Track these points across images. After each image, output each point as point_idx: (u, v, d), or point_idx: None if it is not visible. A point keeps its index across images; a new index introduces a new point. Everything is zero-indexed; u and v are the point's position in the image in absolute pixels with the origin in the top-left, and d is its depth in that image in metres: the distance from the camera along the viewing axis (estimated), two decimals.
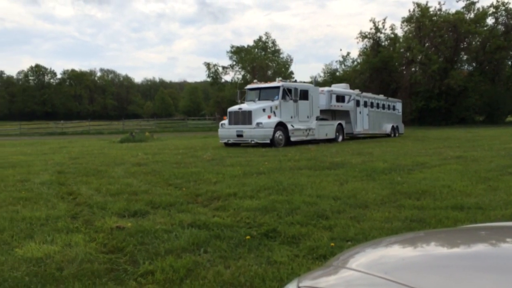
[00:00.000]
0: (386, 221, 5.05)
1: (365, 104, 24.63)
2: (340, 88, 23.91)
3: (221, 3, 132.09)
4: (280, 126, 17.45)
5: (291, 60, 68.83)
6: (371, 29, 54.08)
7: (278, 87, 18.22)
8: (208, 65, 65.31)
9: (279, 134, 17.29)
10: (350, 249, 1.60)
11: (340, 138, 21.39)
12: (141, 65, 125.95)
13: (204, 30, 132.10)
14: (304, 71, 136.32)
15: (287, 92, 18.16)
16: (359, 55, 56.19)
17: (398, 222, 4.99)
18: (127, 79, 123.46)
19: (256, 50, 66.93)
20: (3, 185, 7.80)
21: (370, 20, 54.91)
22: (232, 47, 67.04)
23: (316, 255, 3.95)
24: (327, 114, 21.92)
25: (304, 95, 18.96)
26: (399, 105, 29.66)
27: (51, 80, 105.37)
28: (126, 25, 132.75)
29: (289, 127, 17.80)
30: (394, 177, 8.30)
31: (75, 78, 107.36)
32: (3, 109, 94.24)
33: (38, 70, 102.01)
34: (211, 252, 4.08)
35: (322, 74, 65.33)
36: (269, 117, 17.30)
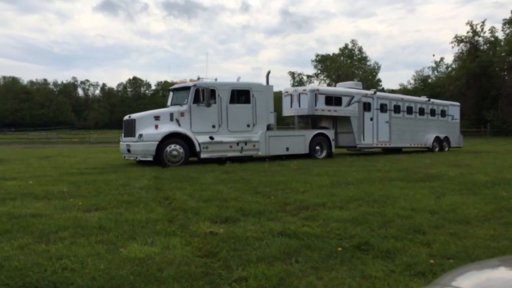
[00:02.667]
0: (491, 239, 4.65)
1: (383, 108, 18.91)
2: (344, 86, 19.16)
3: (304, 13, 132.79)
4: (177, 138, 13.44)
5: (379, 67, 66.87)
6: (468, 32, 50.82)
7: (189, 88, 14.15)
8: (292, 74, 65.68)
9: (172, 149, 13.27)
10: (456, 269, 1.50)
11: (324, 153, 16.39)
12: (227, 75, 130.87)
13: (288, 40, 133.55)
14: (392, 79, 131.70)
15: (203, 94, 13.81)
16: (454, 60, 53.04)
17: (505, 241, 4.57)
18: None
19: (342, 58, 66.00)
20: (108, 189, 8.47)
21: (467, 23, 51.48)
22: (317, 55, 66.85)
23: (414, 272, 3.75)
24: (327, 121, 18.11)
25: (241, 97, 14.71)
26: (454, 110, 22.86)
27: (146, 91, 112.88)
28: (214, 37, 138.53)
29: (200, 139, 13.68)
30: (498, 191, 7.64)
31: (167, 89, 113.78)
32: (104, 118, 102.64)
33: (135, 82, 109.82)
34: (303, 262, 4.05)
35: (412, 81, 62.36)
36: (156, 127, 13.41)
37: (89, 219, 5.78)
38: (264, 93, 15.15)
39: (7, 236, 4.97)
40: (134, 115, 14.04)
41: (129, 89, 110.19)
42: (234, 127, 14.47)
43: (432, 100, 22.31)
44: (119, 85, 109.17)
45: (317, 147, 16.23)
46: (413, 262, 3.95)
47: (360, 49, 66.11)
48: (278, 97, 18.52)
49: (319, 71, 66.42)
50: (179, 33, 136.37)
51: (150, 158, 13.16)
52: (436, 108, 21.74)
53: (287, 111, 18.35)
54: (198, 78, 14.67)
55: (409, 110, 20.20)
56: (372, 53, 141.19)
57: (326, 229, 5.25)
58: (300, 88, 17.96)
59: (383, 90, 59.54)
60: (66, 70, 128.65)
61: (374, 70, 66.47)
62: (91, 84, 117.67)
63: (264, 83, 15.54)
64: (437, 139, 21.09)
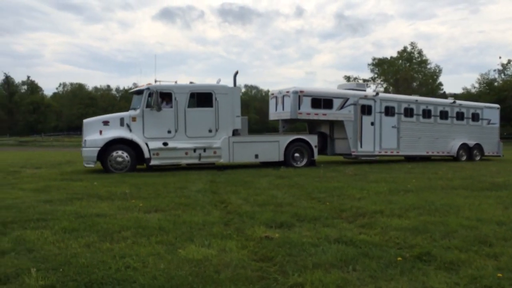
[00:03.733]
0: None
1: (389, 112, 16.94)
2: (344, 88, 17.43)
3: (360, 16, 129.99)
4: (122, 144, 12.86)
5: (440, 70, 64.22)
6: None
7: (143, 92, 13.43)
8: (348, 78, 64.61)
9: (116, 155, 12.72)
10: None
11: (304, 161, 14.84)
12: (281, 80, 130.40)
13: (344, 44, 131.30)
14: (455, 82, 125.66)
15: (154, 98, 13.13)
16: None
17: None
18: (268, 94, 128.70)
19: (400, 61, 64.07)
20: (166, 191, 8.75)
21: None
22: (374, 59, 65.38)
23: (480, 286, 3.56)
24: (325, 126, 16.71)
25: (202, 100, 13.77)
26: (491, 113, 19.92)
27: None
28: (268, 42, 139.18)
29: (152, 145, 13.03)
30: None
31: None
32: None
33: None
34: (360, 270, 3.96)
35: (477, 85, 59.34)
36: (100, 132, 12.85)
37: (149, 220, 6.00)
38: (229, 95, 14.00)
39: (74, 234, 5.27)
40: (85, 120, 13.66)
41: None
42: (194, 132, 13.56)
43: (459, 102, 19.76)
44: None
45: (296, 154, 14.74)
46: (479, 275, 3.75)
47: (420, 52, 63.86)
48: None
49: (376, 75, 64.87)
50: (233, 39, 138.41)
51: (92, 165, 12.79)
52: (466, 111, 19.11)
53: (272, 115, 17.05)
54: (155, 81, 13.83)
55: (426, 114, 17.97)
56: (433, 56, 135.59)
57: (385, 237, 5.10)
58: (285, 89, 16.01)
59: (444, 95, 57.08)
60: (127, 77, 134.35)
61: (435, 73, 63.88)
62: None
63: (232, 85, 14.45)
64: (464, 146, 18.60)
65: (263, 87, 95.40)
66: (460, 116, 18.89)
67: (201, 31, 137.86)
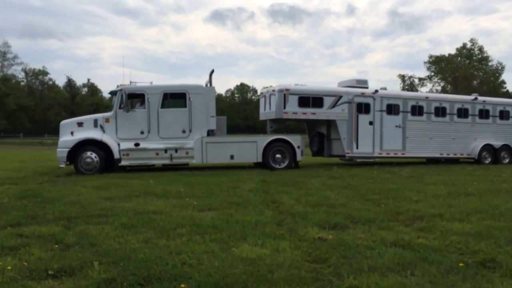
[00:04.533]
0: None
1: (392, 110, 15.71)
2: (344, 85, 16.31)
3: (416, 12, 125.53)
4: (92, 146, 12.86)
5: (502, 68, 60.68)
6: None
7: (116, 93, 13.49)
8: (403, 77, 62.69)
9: (86, 156, 12.74)
10: None
11: (286, 163, 14.09)
12: (332, 79, 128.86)
13: (398, 42, 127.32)
14: None
15: (126, 99, 13.15)
16: None
17: None
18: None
19: (459, 58, 61.23)
20: (219, 190, 8.88)
21: None
22: (431, 57, 63.00)
23: None
24: (322, 125, 15.95)
25: (176, 101, 13.72)
26: None
27: (253, 97, 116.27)
28: (319, 42, 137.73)
29: (123, 146, 13.01)
30: None
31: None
32: None
33: (242, 88, 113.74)
34: (419, 275, 3.82)
35: None
36: (72, 133, 12.96)
37: (203, 218, 6.11)
38: (204, 95, 13.67)
39: (133, 230, 5.46)
40: (62, 122, 13.80)
41: (236, 95, 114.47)
42: (167, 133, 13.41)
43: (482, 98, 17.68)
44: (227, 91, 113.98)
45: (278, 156, 14.06)
46: None
47: (480, 49, 60.69)
48: None
49: (432, 73, 62.45)
50: (284, 39, 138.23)
51: (62, 165, 12.80)
52: (491, 108, 17.21)
53: (261, 115, 16.46)
54: (130, 82, 13.87)
55: (440, 112, 16.41)
56: (495, 53, 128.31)
57: (445, 242, 4.89)
58: (272, 88, 15.34)
59: (507, 93, 53.90)
60: (180, 78, 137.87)
61: (497, 71, 60.47)
62: None
63: (206, 84, 14.12)
64: (488, 147, 16.77)
65: None
66: (484, 114, 17.11)
67: (251, 32, 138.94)
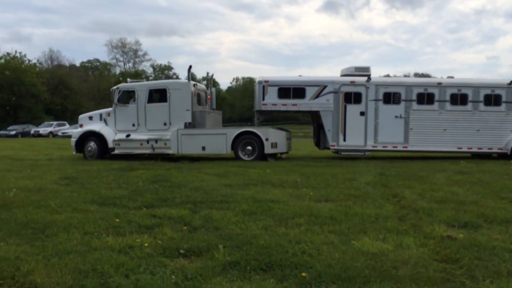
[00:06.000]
0: None
1: (391, 99, 14.21)
2: (343, 73, 15.06)
3: None
4: (92, 136, 14.76)
5: None
6: None
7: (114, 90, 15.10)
8: None
9: (88, 145, 14.77)
10: None
11: (255, 155, 13.72)
12: (457, 67, 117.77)
13: None
14: None
15: (124, 95, 14.83)
16: None
17: None
18: None
19: None
20: (335, 182, 8.75)
21: None
22: None
23: None
24: (319, 117, 14.53)
25: (158, 96, 14.59)
26: None
27: None
28: (442, 26, 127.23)
29: (117, 137, 14.62)
30: None
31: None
32: None
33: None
34: None
35: None
36: (81, 126, 15.33)
37: (320, 209, 6.07)
38: (181, 90, 14.36)
39: (253, 217, 5.65)
40: (80, 115, 16.10)
41: None
42: (152, 125, 14.54)
43: None
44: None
45: (249, 148, 13.86)
46: None
47: None
48: None
49: None
50: (402, 26, 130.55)
51: (74, 152, 14.95)
52: None
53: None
54: (128, 81, 15.64)
55: (459, 99, 14.16)
56: None
57: None
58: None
59: None
60: (293, 70, 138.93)
61: None
62: None
63: (187, 80, 14.60)
64: None
65: (436, 74, 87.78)
66: None
67: (367, 19, 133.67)
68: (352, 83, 14.38)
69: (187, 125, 14.36)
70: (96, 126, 14.99)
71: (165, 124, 14.49)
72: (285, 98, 14.48)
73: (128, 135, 14.67)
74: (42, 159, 14.81)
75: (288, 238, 4.59)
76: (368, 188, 8.02)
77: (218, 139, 14.09)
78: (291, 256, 4.02)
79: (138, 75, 76.26)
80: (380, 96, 14.29)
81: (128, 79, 16.17)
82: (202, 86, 16.17)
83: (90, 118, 15.46)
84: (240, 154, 13.92)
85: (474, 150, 14.35)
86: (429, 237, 4.69)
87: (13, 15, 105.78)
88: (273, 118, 22.40)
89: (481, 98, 14.15)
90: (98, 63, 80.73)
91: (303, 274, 3.59)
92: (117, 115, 14.90)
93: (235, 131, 14.08)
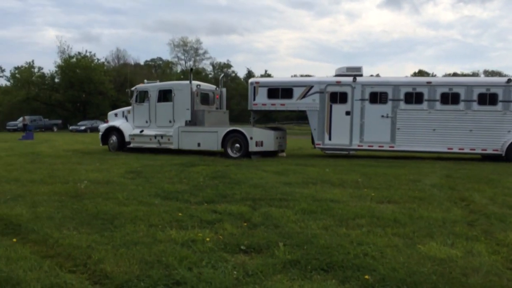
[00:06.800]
0: None
1: (377, 99, 14.12)
2: (337, 73, 15.08)
3: None
4: (114, 131, 16.59)
5: None
6: None
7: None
8: None
9: (111, 139, 16.68)
10: None
11: (241, 152, 14.11)
12: None
13: None
14: None
15: (140, 95, 16.42)
16: None
17: None
18: None
19: None
20: (397, 183, 8.46)
21: None
22: None
23: None
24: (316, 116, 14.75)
25: (166, 96, 15.91)
26: None
27: None
28: None
29: (133, 132, 16.27)
30: None
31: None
32: None
33: (420, 75, 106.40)
34: None
35: None
36: (106, 122, 17.50)
37: (382, 211, 5.90)
38: (183, 91, 15.45)
39: (312, 216, 5.59)
40: (109, 112, 18.26)
41: None
42: (161, 122, 15.86)
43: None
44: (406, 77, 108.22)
45: (237, 145, 14.35)
46: None
47: None
48: None
49: None
50: (471, 20, 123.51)
51: (101, 145, 17.03)
52: None
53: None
54: (144, 82, 17.24)
55: (450, 98, 13.69)
56: None
57: None
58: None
59: None
60: None
61: None
62: None
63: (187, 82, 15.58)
64: None
65: (509, 72, 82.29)
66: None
67: (432, 14, 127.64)
68: (338, 83, 14.61)
69: (187, 123, 15.35)
70: (118, 122, 16.85)
71: (170, 121, 15.74)
72: (274, 98, 15.12)
73: (141, 131, 16.20)
74: (109, 153, 15.59)
75: (349, 239, 4.50)
76: (434, 191, 7.68)
77: (211, 137, 14.88)
78: (353, 257, 3.93)
79: (198, 73, 78.12)
80: (366, 96, 14.37)
81: (145, 80, 17.83)
82: (210, 86, 17.25)
83: (116, 115, 17.38)
84: (229, 151, 14.45)
85: (466, 151, 13.93)
86: (502, 244, 4.41)
87: (85, 16, 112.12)
88: (278, 118, 23.12)
89: (475, 97, 13.70)
90: (161, 62, 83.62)
91: (366, 276, 3.49)
92: (134, 113, 16.57)
93: (224, 129, 14.69)
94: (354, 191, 7.48)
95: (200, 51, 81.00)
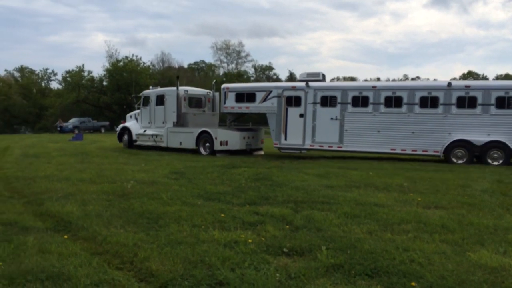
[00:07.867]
0: None
1: (327, 102, 14.88)
2: (300, 78, 16.26)
3: None
4: (126, 130, 19.20)
5: None
6: None
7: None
8: None
9: (124, 137, 19.34)
10: None
11: (208, 151, 15.86)
12: None
13: None
14: None
15: (145, 99, 18.79)
16: None
17: None
18: None
19: None
20: (445, 188, 8.16)
21: None
22: None
23: None
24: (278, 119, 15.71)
25: (161, 100, 18.06)
26: None
27: None
28: None
29: (138, 131, 18.73)
30: None
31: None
32: None
33: (470, 76, 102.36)
34: None
35: None
36: (122, 122, 20.37)
37: (429, 216, 5.71)
38: (172, 96, 17.51)
39: (356, 220, 5.49)
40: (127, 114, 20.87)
41: None
42: (158, 123, 18.07)
43: (466, 83, 14.64)
44: (451, 79, 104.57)
45: (207, 144, 16.03)
46: None
47: None
48: None
49: None
50: None
51: (118, 142, 19.75)
52: (481, 95, 13.15)
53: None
54: (150, 88, 19.78)
55: (393, 102, 14.11)
56: None
57: None
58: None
59: None
60: (397, 68, 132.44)
61: None
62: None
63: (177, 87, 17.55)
64: (463, 144, 13.33)
65: None
66: (467, 102, 13.38)
67: (481, 14, 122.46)
68: (293, 88, 15.68)
69: (174, 124, 17.34)
70: (129, 123, 19.60)
71: (163, 122, 17.87)
72: (241, 102, 16.50)
73: (144, 131, 18.58)
74: (152, 154, 16.00)
75: (395, 245, 4.39)
76: (484, 196, 7.35)
77: (189, 137, 16.70)
78: (398, 263, 3.83)
79: (240, 75, 78.74)
80: (318, 100, 15.16)
81: (150, 86, 20.49)
82: (201, 91, 19.13)
83: (131, 116, 20.01)
84: (201, 149, 16.16)
85: (408, 152, 14.18)
86: None
87: (131, 21, 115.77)
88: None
89: (417, 101, 13.98)
90: (203, 65, 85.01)
91: (413, 283, 3.39)
92: (142, 115, 19.03)
93: (197, 130, 16.37)
94: (399, 195, 7.29)
95: (242, 54, 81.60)
